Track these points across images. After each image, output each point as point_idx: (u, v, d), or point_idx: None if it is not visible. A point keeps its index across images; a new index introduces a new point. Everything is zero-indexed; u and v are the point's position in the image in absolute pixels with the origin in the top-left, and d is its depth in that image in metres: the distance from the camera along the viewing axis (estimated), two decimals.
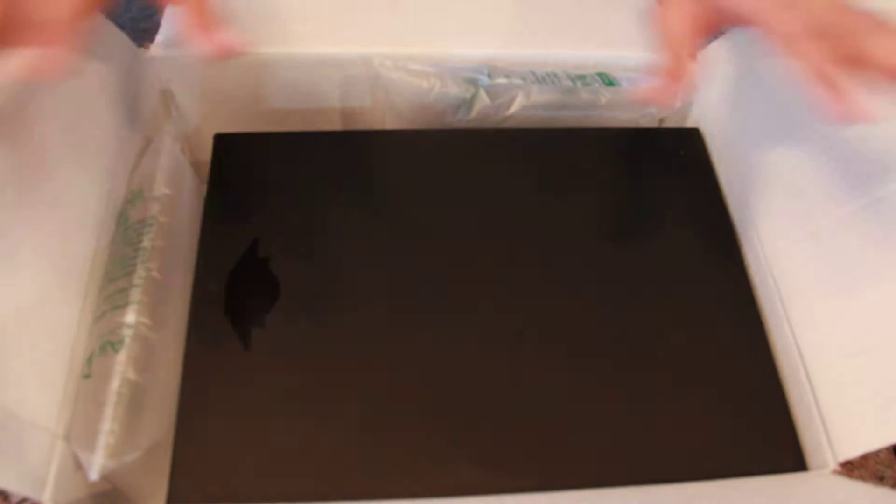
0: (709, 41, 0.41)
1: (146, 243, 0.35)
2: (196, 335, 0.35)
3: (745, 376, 0.35)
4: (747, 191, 0.40)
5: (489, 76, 0.45)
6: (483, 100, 0.46)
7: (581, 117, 0.46)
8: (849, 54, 0.31)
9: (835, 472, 0.32)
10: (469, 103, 0.46)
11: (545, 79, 0.46)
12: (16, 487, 0.27)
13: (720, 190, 0.42)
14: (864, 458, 0.40)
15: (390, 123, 0.48)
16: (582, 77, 0.45)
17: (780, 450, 0.33)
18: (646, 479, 0.32)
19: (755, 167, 0.40)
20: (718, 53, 0.45)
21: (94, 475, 0.29)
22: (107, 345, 0.32)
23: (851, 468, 0.40)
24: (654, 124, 0.48)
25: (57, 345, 0.32)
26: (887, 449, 0.40)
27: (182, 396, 0.33)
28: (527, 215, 0.40)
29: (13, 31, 0.28)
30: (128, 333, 0.32)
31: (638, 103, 0.45)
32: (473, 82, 0.46)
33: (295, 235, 0.38)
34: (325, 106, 0.46)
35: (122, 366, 0.31)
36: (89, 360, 0.32)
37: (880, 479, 0.40)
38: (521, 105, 0.46)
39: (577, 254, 0.38)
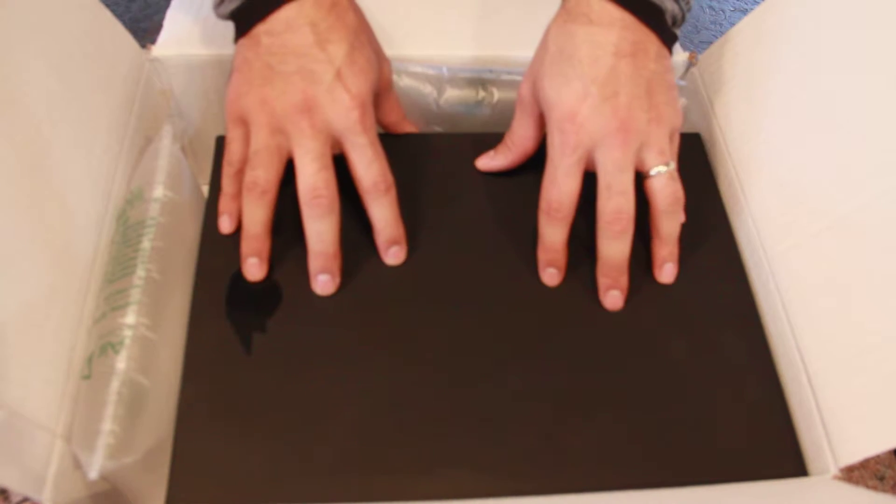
0: None
1: (146, 244, 0.35)
2: (196, 335, 0.35)
3: (746, 381, 0.35)
4: (747, 194, 0.40)
5: (492, 77, 0.45)
6: (486, 101, 0.46)
7: None
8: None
9: (836, 477, 0.32)
10: (472, 105, 0.46)
11: None
12: (16, 486, 0.27)
13: (720, 194, 0.42)
14: (864, 459, 0.40)
15: None
16: None
17: (782, 455, 0.33)
18: (647, 483, 0.32)
19: (755, 170, 0.40)
20: (717, 58, 0.45)
21: (93, 475, 0.29)
22: (107, 346, 0.32)
23: (851, 469, 0.40)
24: None
25: (57, 345, 0.32)
26: None
27: (182, 397, 0.33)
28: (528, 218, 0.40)
29: None
30: (128, 334, 0.32)
31: None
32: (476, 84, 0.45)
33: (295, 237, 0.38)
34: None
35: (122, 366, 0.31)
36: (89, 361, 0.32)
37: (880, 479, 0.40)
38: None
39: (578, 258, 0.38)
